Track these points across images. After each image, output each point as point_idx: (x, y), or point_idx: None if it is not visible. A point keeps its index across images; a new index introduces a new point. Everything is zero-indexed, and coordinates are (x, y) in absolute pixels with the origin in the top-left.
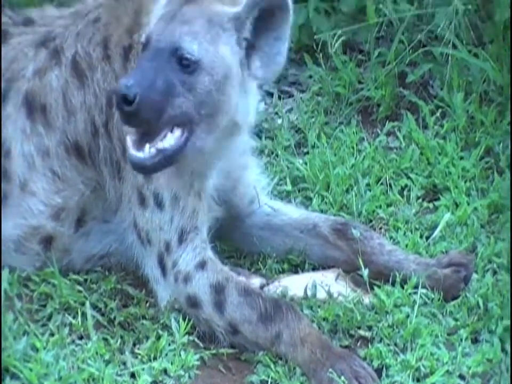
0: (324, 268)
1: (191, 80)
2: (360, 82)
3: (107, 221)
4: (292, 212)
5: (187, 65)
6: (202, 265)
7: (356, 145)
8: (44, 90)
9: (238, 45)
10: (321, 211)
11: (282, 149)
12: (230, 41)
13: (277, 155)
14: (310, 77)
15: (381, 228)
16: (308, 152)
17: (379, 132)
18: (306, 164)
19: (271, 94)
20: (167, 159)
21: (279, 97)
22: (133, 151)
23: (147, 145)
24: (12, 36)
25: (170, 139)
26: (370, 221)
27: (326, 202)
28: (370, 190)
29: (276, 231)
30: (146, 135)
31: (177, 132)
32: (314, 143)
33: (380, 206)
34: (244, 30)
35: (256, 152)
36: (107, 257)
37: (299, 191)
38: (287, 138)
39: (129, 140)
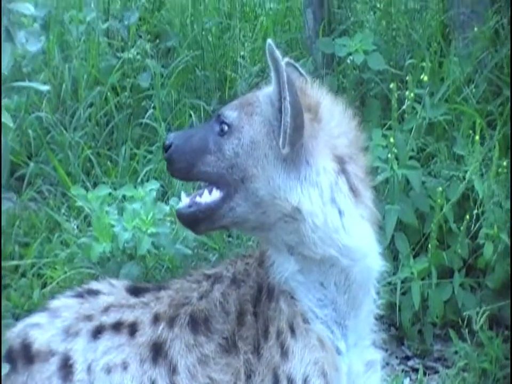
0: None
1: (222, 141)
2: (506, 358)
3: None
4: None
5: (222, 129)
6: None
7: None
8: (207, 306)
9: (270, 119)
10: None
11: None
12: (264, 114)
13: None
14: (456, 352)
15: None
16: None
17: None
18: None
19: (416, 370)
20: (201, 212)
21: (424, 373)
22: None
23: (185, 197)
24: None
25: (207, 197)
26: None
27: None
28: None
29: None
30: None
31: (216, 193)
32: None
33: None
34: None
35: None
36: None
37: None
38: None
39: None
